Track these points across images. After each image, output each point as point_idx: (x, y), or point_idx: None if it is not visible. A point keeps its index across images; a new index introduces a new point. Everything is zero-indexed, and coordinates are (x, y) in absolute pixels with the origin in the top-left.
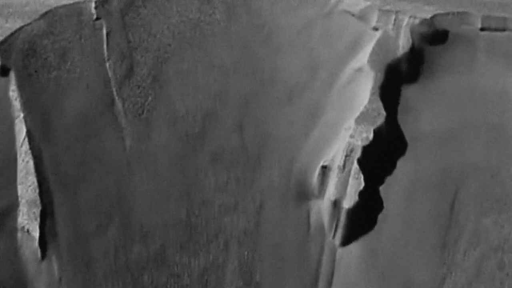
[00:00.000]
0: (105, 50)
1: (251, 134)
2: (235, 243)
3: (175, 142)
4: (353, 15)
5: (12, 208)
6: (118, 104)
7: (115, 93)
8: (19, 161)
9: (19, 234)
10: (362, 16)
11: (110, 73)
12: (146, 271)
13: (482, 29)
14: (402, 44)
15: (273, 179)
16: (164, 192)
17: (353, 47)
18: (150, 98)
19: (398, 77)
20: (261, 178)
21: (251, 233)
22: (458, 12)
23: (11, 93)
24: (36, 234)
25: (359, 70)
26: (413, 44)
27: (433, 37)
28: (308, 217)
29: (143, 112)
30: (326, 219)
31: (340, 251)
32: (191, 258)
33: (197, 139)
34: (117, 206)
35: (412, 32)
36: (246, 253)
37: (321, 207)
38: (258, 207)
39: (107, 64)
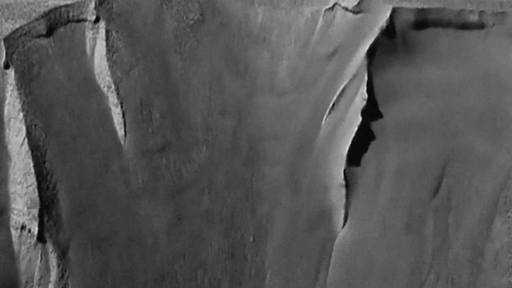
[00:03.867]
0: (105, 50)
1: (256, 133)
2: (246, 238)
3: (177, 143)
4: (350, 11)
5: (5, 208)
6: (119, 103)
7: (115, 92)
8: (19, 161)
9: (18, 234)
10: (359, 11)
11: (110, 73)
12: (151, 279)
13: (480, 26)
14: (396, 37)
15: (282, 176)
16: (168, 189)
17: (354, 44)
18: (149, 97)
19: (386, 66)
20: (269, 175)
21: (261, 229)
22: (455, 10)
23: (10, 93)
24: (35, 233)
25: (361, 65)
26: (402, 34)
27: (423, 28)
28: (317, 210)
29: (143, 109)
30: (335, 208)
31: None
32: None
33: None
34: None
35: (402, 22)
36: (257, 248)
37: (332, 198)
38: (268, 203)
39: (107, 64)
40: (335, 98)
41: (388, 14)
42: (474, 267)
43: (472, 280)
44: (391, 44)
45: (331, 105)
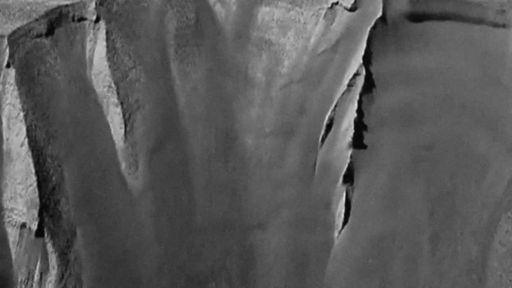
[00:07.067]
0: (105, 50)
1: (256, 131)
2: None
3: (176, 142)
4: (349, 9)
5: (4, 207)
6: (119, 103)
7: (115, 92)
8: (19, 161)
9: (18, 234)
10: (356, 8)
11: (110, 73)
12: (150, 279)
13: (479, 20)
14: (389, 28)
15: (293, 168)
16: (168, 188)
17: (352, 40)
18: (149, 97)
19: (382, 58)
20: (283, 165)
21: (261, 228)
22: (453, 2)
23: (10, 93)
24: (35, 233)
25: (359, 61)
26: (396, 25)
27: (420, 19)
28: (318, 208)
29: (143, 110)
30: (336, 207)
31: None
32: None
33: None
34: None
35: (396, 12)
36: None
37: (334, 197)
38: (269, 202)
39: (107, 64)
40: (337, 95)
41: (380, 6)
42: (477, 266)
43: (475, 281)
44: (386, 36)
45: (333, 103)
